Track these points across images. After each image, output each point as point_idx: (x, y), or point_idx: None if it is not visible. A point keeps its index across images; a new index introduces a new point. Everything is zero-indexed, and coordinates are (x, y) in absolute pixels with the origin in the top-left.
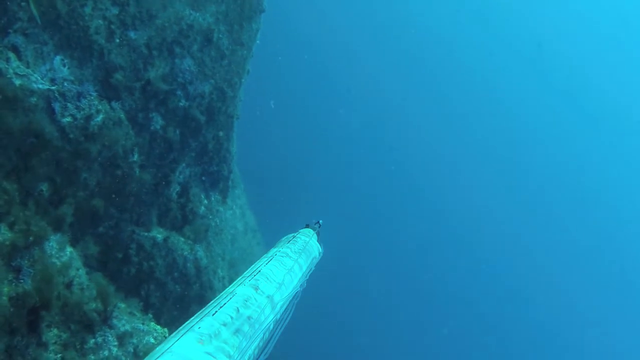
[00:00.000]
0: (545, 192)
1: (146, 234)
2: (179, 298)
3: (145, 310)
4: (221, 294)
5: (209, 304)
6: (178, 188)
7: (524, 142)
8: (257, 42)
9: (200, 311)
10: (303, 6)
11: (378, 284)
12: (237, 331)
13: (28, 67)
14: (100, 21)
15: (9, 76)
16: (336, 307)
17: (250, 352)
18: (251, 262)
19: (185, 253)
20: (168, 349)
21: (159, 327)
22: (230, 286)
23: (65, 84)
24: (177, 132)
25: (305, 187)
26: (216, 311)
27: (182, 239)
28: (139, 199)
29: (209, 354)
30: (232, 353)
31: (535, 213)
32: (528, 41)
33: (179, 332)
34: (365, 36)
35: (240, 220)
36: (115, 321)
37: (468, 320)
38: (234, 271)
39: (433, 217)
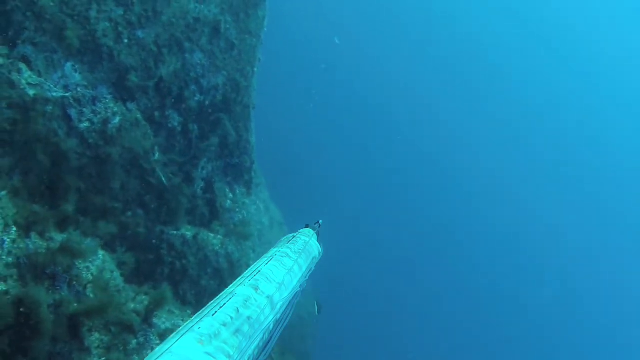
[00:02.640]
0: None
1: (175, 232)
2: (214, 295)
3: (182, 308)
4: (221, 294)
5: (209, 304)
6: (202, 184)
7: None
8: (265, 29)
9: (200, 311)
10: None
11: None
12: (237, 331)
13: (40, 76)
14: (107, 23)
15: (22, 87)
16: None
17: (250, 352)
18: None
19: (217, 248)
20: (168, 349)
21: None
22: (230, 286)
23: (79, 90)
24: (195, 127)
25: (325, 177)
26: (216, 311)
27: (212, 235)
28: (165, 198)
29: (208, 354)
30: (232, 353)
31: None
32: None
33: (178, 332)
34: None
35: (265, 215)
36: (155, 320)
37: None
38: None
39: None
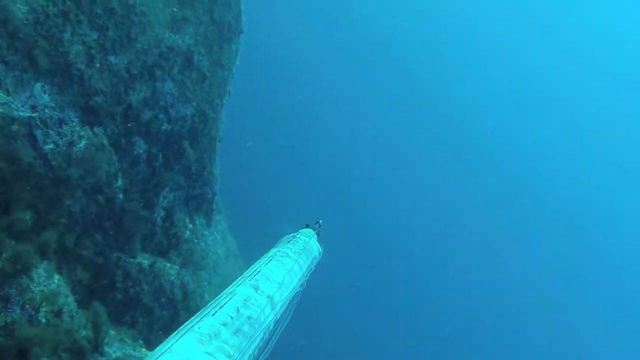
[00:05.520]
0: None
1: (132, 260)
2: (167, 324)
3: (134, 337)
4: (221, 294)
5: (209, 304)
6: (162, 212)
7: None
8: (237, 63)
9: (200, 311)
10: (281, 27)
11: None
12: (237, 331)
13: (8, 95)
14: (80, 46)
15: None
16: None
17: (250, 352)
18: None
19: (172, 278)
20: (168, 349)
21: (150, 352)
22: (230, 286)
23: (47, 111)
24: (160, 155)
25: (285, 207)
26: (216, 311)
27: (169, 264)
28: (124, 225)
29: (209, 354)
30: (232, 353)
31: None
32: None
33: (179, 332)
34: (344, 53)
35: (221, 245)
36: (106, 348)
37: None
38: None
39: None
